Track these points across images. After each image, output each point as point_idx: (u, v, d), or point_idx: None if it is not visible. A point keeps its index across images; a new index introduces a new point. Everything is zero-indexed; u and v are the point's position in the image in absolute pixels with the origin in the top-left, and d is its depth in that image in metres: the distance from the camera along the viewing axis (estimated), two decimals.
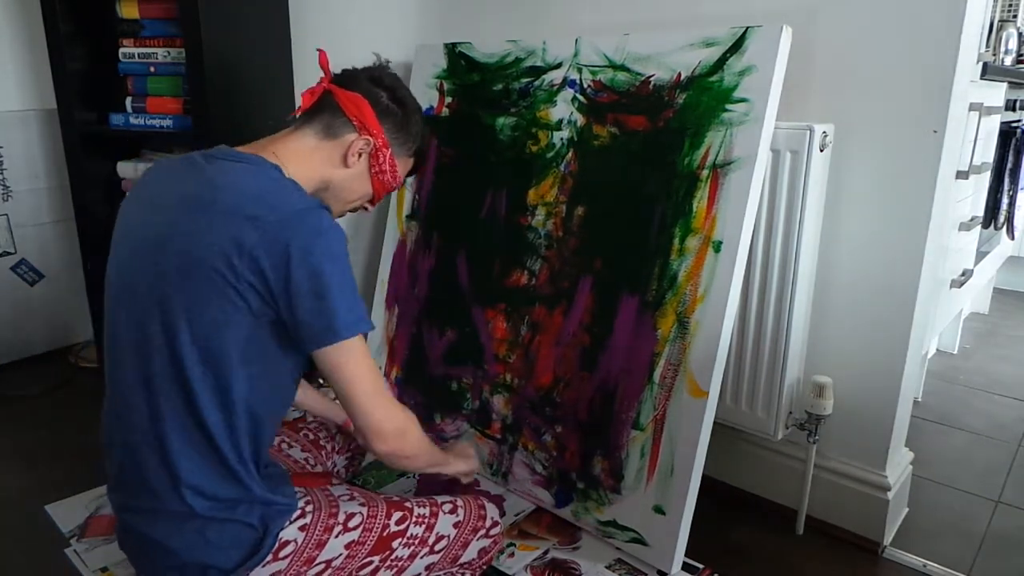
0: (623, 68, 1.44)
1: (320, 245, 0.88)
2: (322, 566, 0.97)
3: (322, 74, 1.07)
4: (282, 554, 0.94)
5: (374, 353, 1.88)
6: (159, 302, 0.88)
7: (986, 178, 1.97)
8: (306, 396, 1.29)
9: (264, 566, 0.93)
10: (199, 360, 0.88)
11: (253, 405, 0.92)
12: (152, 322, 0.89)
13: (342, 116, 1.04)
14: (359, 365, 0.92)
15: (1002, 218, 2.10)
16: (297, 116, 1.06)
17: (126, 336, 0.92)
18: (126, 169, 2.05)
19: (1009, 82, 1.89)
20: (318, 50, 1.10)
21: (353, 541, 0.99)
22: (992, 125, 1.87)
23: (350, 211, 1.14)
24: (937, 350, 2.45)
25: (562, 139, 1.52)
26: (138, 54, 1.94)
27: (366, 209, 1.16)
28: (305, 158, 1.02)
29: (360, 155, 1.06)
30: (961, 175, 1.47)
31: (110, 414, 0.97)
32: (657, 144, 1.37)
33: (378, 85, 1.07)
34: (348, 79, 1.07)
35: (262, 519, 0.93)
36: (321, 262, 0.87)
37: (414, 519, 1.05)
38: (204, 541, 0.91)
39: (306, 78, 1.02)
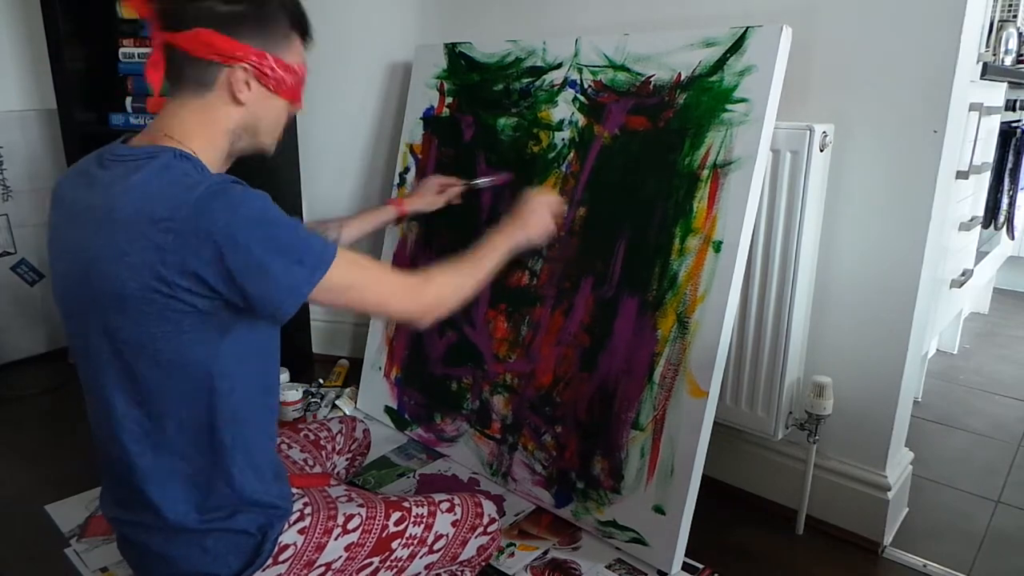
0: (623, 68, 1.43)
1: (241, 219, 0.80)
2: (322, 568, 0.97)
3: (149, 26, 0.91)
4: (282, 558, 0.93)
5: (375, 353, 1.89)
6: (104, 330, 0.84)
7: (986, 178, 1.97)
8: (350, 232, 1.35)
9: (264, 570, 0.92)
10: (161, 375, 0.84)
11: (235, 401, 0.89)
12: (104, 347, 0.85)
13: (199, 61, 0.88)
14: (349, 289, 0.90)
15: (1002, 218, 2.10)
16: (161, 89, 0.92)
17: (86, 356, 0.89)
18: None
19: (1009, 82, 1.89)
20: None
21: (352, 543, 0.99)
22: (992, 125, 1.87)
23: (287, 124, 1.01)
24: (937, 350, 2.45)
25: (563, 139, 1.52)
26: (138, 54, 1.94)
27: (296, 111, 1.02)
28: (199, 123, 0.90)
29: (247, 84, 0.91)
30: (961, 175, 1.47)
31: (94, 428, 0.95)
32: (657, 144, 1.37)
33: None
34: (174, 17, 0.88)
35: (260, 526, 0.92)
36: (251, 235, 0.80)
37: (412, 519, 1.05)
38: (202, 551, 0.90)
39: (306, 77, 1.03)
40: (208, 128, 0.91)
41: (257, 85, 0.92)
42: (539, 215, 1.26)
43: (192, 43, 0.87)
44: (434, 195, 1.60)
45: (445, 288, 1.04)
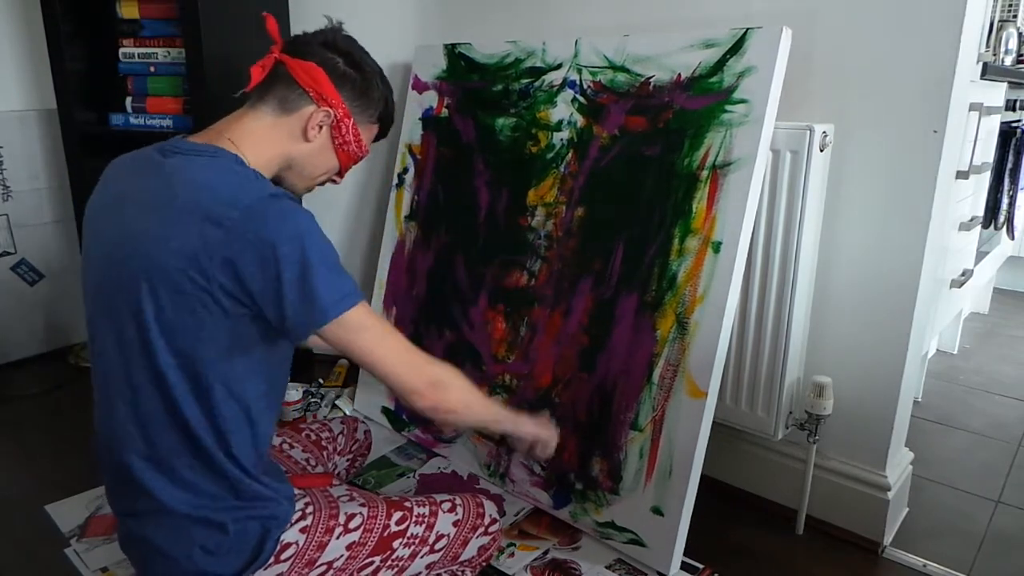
0: (623, 69, 1.44)
1: (290, 230, 0.84)
2: (324, 567, 0.97)
3: (273, 43, 0.99)
4: (283, 556, 0.94)
5: None
6: (132, 311, 0.86)
7: (986, 178, 1.97)
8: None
9: (266, 569, 0.93)
10: (177, 365, 0.86)
11: (243, 403, 0.91)
12: (128, 329, 0.87)
13: (297, 88, 0.97)
14: (367, 333, 0.90)
15: (1002, 218, 2.10)
16: (249, 92, 0.99)
17: (106, 343, 0.91)
18: None
19: (1009, 82, 1.89)
20: (264, 15, 1.01)
21: (354, 542, 0.99)
22: (992, 125, 1.87)
23: (319, 185, 1.08)
24: (937, 350, 2.45)
25: (562, 140, 1.52)
26: (138, 54, 1.94)
27: (334, 182, 1.11)
28: (262, 138, 0.96)
29: (321, 127, 0.99)
30: (961, 175, 1.47)
31: (99, 419, 0.96)
32: (656, 145, 1.37)
33: (332, 50, 0.99)
34: (300, 47, 0.98)
35: (262, 524, 0.93)
36: (296, 248, 0.83)
37: (414, 518, 1.05)
38: (203, 551, 0.90)
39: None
40: (268, 145, 0.97)
41: (327, 134, 1.01)
42: (548, 433, 1.23)
43: (301, 71, 0.97)
44: None
45: (454, 380, 1.01)
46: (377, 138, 1.12)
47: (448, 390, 0.99)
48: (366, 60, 1.04)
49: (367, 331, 0.91)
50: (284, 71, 0.97)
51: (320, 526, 0.97)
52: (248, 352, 0.90)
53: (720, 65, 1.30)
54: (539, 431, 1.20)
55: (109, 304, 0.89)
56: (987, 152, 1.85)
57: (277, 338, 0.91)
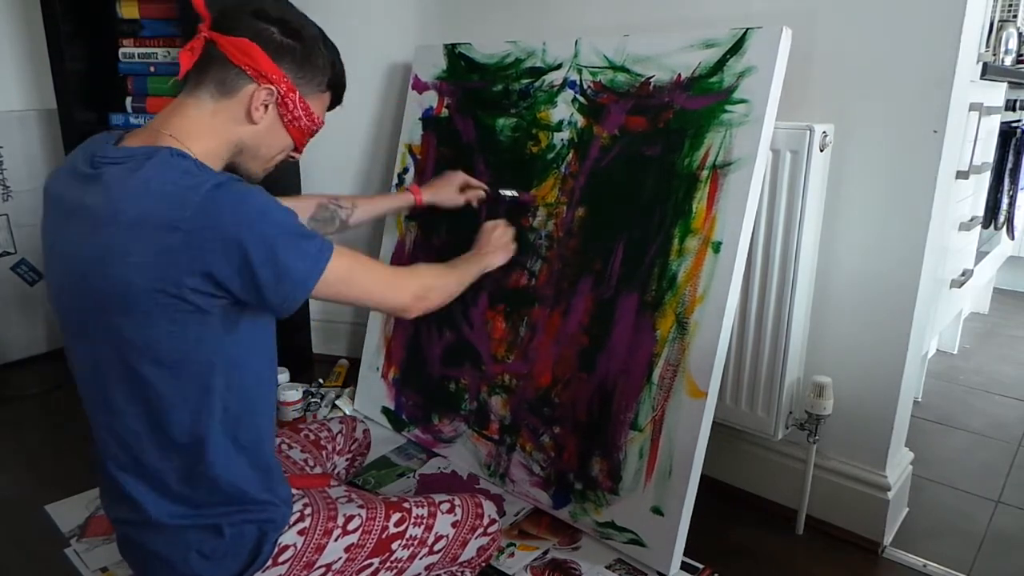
0: (623, 69, 1.43)
1: (249, 214, 0.81)
2: (322, 570, 0.97)
3: (201, 21, 0.91)
4: (281, 559, 0.94)
5: (373, 354, 1.88)
6: (105, 332, 0.84)
7: (986, 178, 1.96)
8: (363, 211, 1.45)
9: (264, 572, 0.92)
10: (163, 374, 0.84)
11: (235, 400, 0.89)
12: (104, 350, 0.85)
13: (233, 67, 0.90)
14: (345, 281, 0.93)
15: (1002, 218, 2.10)
16: (182, 80, 0.92)
17: (84, 367, 0.89)
18: None
19: (1009, 82, 1.88)
20: None
21: (352, 544, 0.99)
22: (992, 125, 1.86)
23: (276, 165, 1.03)
24: (937, 350, 2.45)
25: (562, 140, 1.52)
26: (138, 54, 1.94)
27: (292, 159, 1.05)
28: (206, 126, 0.90)
29: (266, 107, 0.93)
30: (961, 175, 1.47)
31: (92, 428, 0.95)
32: (657, 145, 1.37)
33: (264, 19, 0.91)
34: (228, 21, 0.90)
35: (259, 527, 0.92)
36: (261, 230, 0.81)
37: (413, 520, 1.05)
38: (200, 555, 0.90)
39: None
40: (213, 134, 0.91)
41: (274, 112, 0.95)
42: (497, 239, 1.39)
43: (234, 49, 0.89)
44: (455, 192, 1.58)
45: (429, 281, 1.14)
46: (331, 106, 1.05)
47: (429, 297, 1.11)
48: (304, 25, 0.96)
49: (347, 279, 0.94)
50: (216, 51, 0.89)
51: (318, 528, 0.97)
52: (236, 336, 0.87)
53: (720, 65, 1.30)
54: (497, 251, 1.43)
55: (82, 330, 0.87)
56: (987, 152, 1.85)
57: (257, 314, 0.89)
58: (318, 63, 0.97)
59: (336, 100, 1.05)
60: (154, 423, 0.87)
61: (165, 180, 0.81)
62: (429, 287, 1.12)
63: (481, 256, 1.40)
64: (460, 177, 1.58)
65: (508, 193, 1.58)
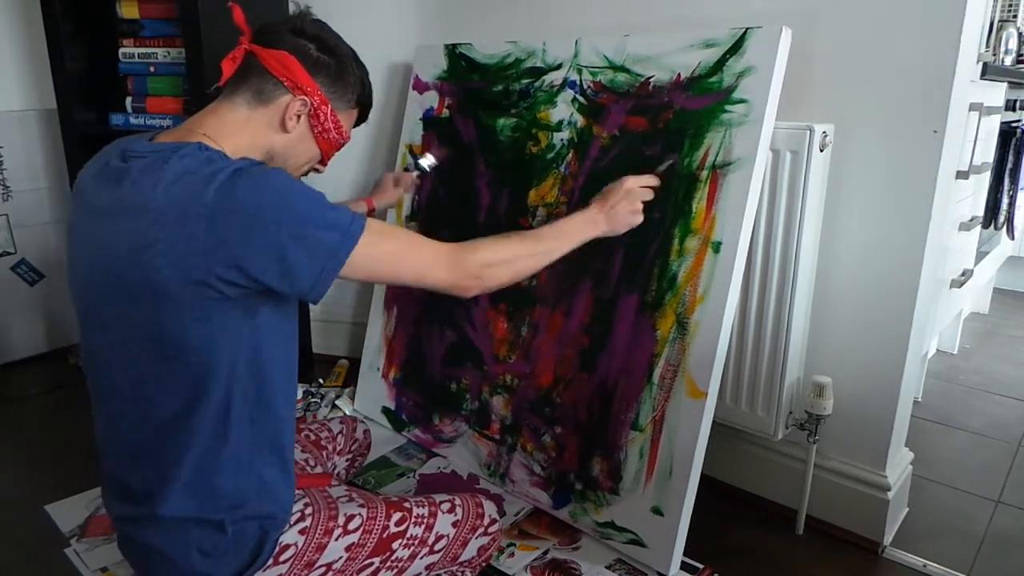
0: (623, 69, 1.43)
1: (272, 194, 0.82)
2: (323, 569, 0.97)
3: (241, 34, 0.97)
4: (282, 558, 0.94)
5: (373, 353, 1.89)
6: (127, 323, 0.85)
7: (986, 178, 1.97)
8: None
9: (264, 571, 0.93)
10: (183, 364, 0.85)
11: (256, 388, 0.90)
12: (132, 340, 0.86)
13: (271, 78, 0.95)
14: (383, 258, 0.92)
15: (1002, 218, 2.10)
16: (221, 87, 0.97)
17: (106, 354, 0.89)
18: None
19: (1009, 82, 1.89)
20: (230, 4, 0.98)
21: (353, 543, 0.99)
22: (992, 125, 1.87)
23: (301, 176, 1.06)
24: (937, 350, 2.45)
25: (562, 140, 1.52)
26: (138, 54, 1.94)
27: (317, 171, 1.09)
28: (240, 131, 0.94)
29: (298, 117, 0.98)
30: (961, 175, 1.47)
31: (100, 426, 0.95)
32: (656, 145, 1.37)
33: (302, 36, 0.97)
34: (269, 35, 0.97)
35: (260, 525, 0.92)
36: (286, 209, 0.82)
37: (413, 519, 1.05)
38: (201, 553, 0.90)
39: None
40: (246, 139, 0.95)
41: (306, 123, 0.99)
42: (630, 202, 1.25)
43: (274, 61, 0.95)
44: (393, 188, 1.58)
45: (492, 257, 1.05)
46: (358, 122, 1.10)
47: (487, 275, 1.03)
48: (338, 44, 1.02)
49: (384, 259, 0.93)
50: (256, 62, 0.95)
51: (319, 527, 0.97)
52: (259, 323, 0.88)
53: (720, 65, 1.30)
54: (617, 219, 1.23)
55: (107, 321, 0.88)
56: (987, 152, 1.85)
57: (283, 304, 0.90)
58: (350, 80, 1.02)
59: (362, 117, 1.10)
60: (167, 415, 0.87)
61: (189, 169, 0.83)
62: (487, 262, 1.03)
63: (595, 218, 1.22)
64: (389, 176, 1.59)
65: (426, 162, 1.60)
